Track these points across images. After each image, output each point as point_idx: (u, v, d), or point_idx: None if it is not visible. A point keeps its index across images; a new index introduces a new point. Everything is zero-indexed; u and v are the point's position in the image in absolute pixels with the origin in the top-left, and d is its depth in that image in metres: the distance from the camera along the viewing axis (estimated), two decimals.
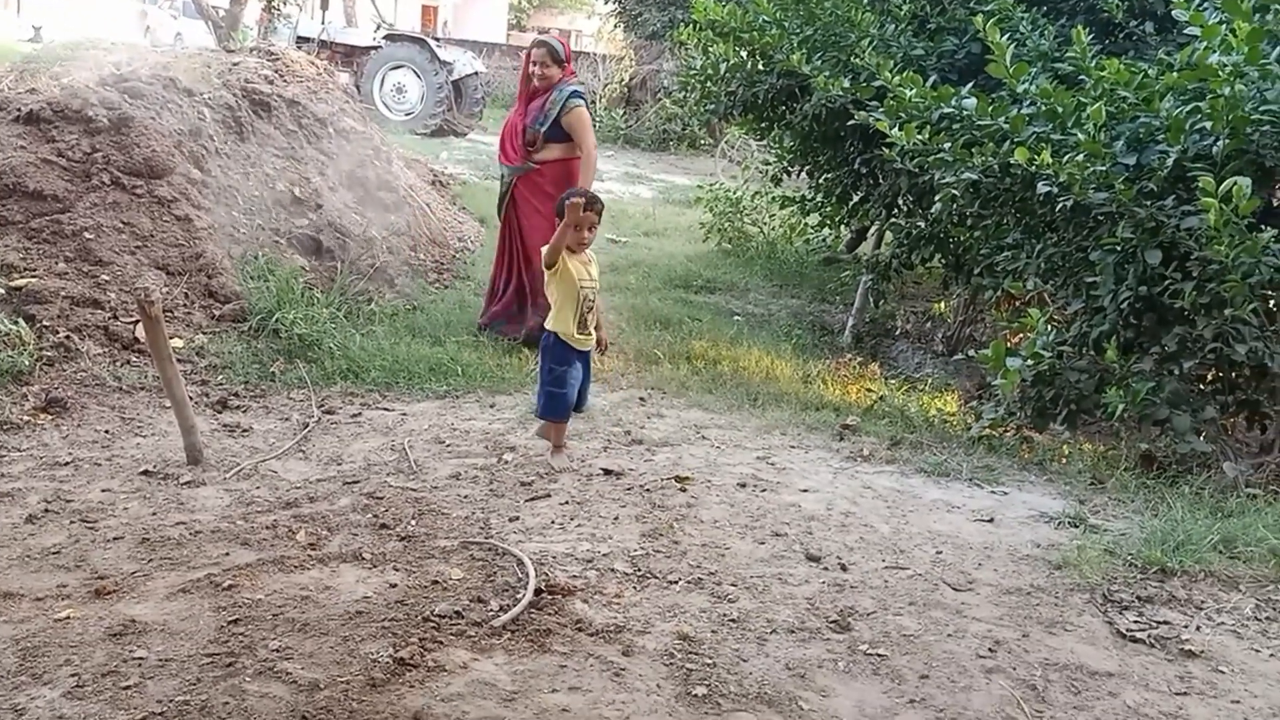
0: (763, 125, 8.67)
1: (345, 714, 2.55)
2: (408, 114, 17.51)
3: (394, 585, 3.30)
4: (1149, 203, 4.69)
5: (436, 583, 3.35)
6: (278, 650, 2.83)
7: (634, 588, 3.42)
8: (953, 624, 3.26)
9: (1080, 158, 4.72)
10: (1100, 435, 5.86)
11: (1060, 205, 4.95)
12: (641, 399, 5.90)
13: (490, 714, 2.61)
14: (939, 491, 4.53)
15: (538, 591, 3.29)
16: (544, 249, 4.44)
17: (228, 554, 3.46)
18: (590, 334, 4.52)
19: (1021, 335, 6.05)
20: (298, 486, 4.21)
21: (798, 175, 9.47)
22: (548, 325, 4.49)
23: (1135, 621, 3.30)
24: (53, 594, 3.11)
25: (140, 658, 2.77)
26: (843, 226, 9.46)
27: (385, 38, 18.86)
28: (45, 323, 5.18)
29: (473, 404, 5.55)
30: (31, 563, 3.32)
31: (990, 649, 3.11)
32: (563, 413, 4.50)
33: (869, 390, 6.77)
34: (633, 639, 3.06)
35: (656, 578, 3.50)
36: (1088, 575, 3.59)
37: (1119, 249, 4.85)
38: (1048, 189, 4.92)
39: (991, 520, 4.16)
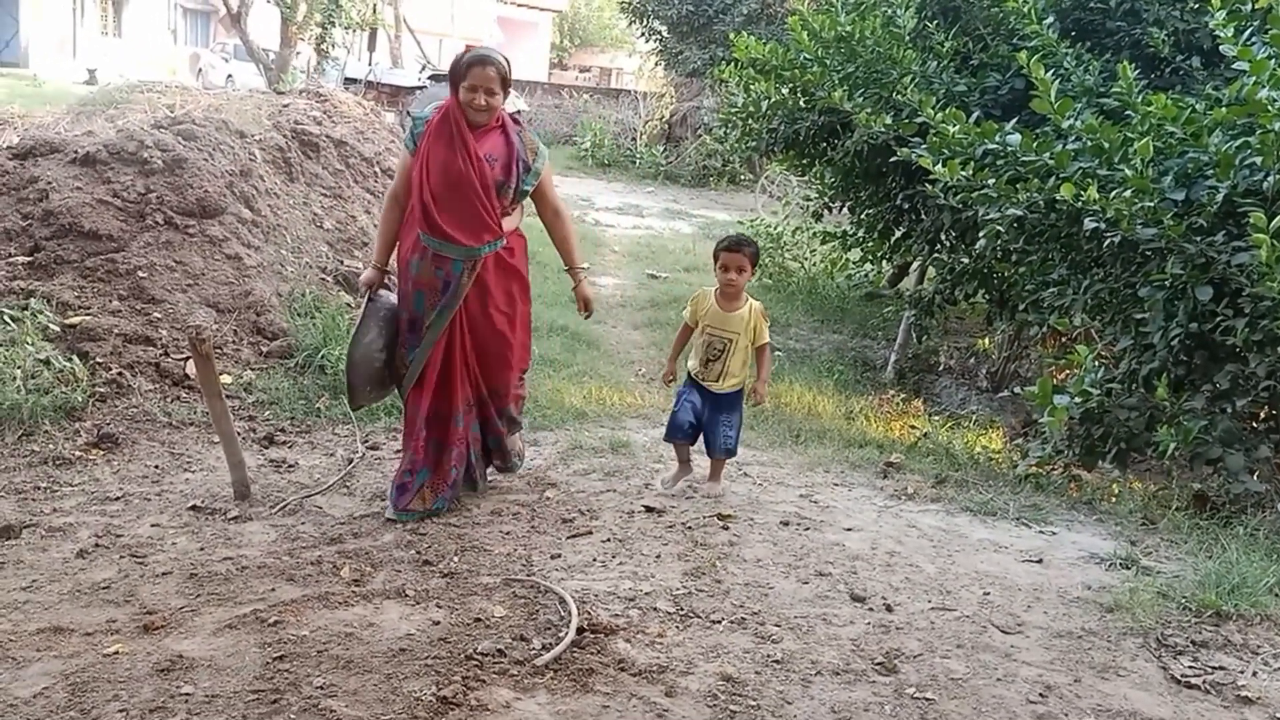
0: (804, 161, 8.69)
1: None
2: None
3: (437, 623, 3.31)
4: (1199, 238, 4.63)
5: (479, 620, 3.35)
6: (322, 688, 2.85)
7: (676, 627, 3.40)
8: (1002, 668, 3.20)
9: (1128, 193, 4.68)
10: (1151, 474, 5.77)
11: (1108, 241, 4.90)
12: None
13: None
14: (986, 531, 4.46)
15: (580, 630, 3.28)
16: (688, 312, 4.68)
17: (274, 590, 3.49)
18: (715, 377, 4.57)
19: (1068, 372, 5.97)
20: (342, 522, 4.24)
21: (839, 211, 9.47)
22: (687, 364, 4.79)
23: (1190, 666, 3.22)
24: (102, 629, 3.15)
25: (187, 694, 2.79)
26: (884, 262, 9.42)
27: (430, 78, 19.20)
28: (98, 359, 5.28)
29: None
30: (82, 597, 3.37)
31: (1041, 694, 3.04)
32: (671, 431, 4.71)
33: (912, 427, 6.70)
34: (675, 679, 3.04)
35: (699, 617, 3.47)
36: (1140, 619, 3.51)
37: (1168, 285, 4.79)
38: (1094, 225, 4.87)
39: (1040, 561, 4.09)
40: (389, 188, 4.37)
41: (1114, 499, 4.98)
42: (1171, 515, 4.60)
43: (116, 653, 3.00)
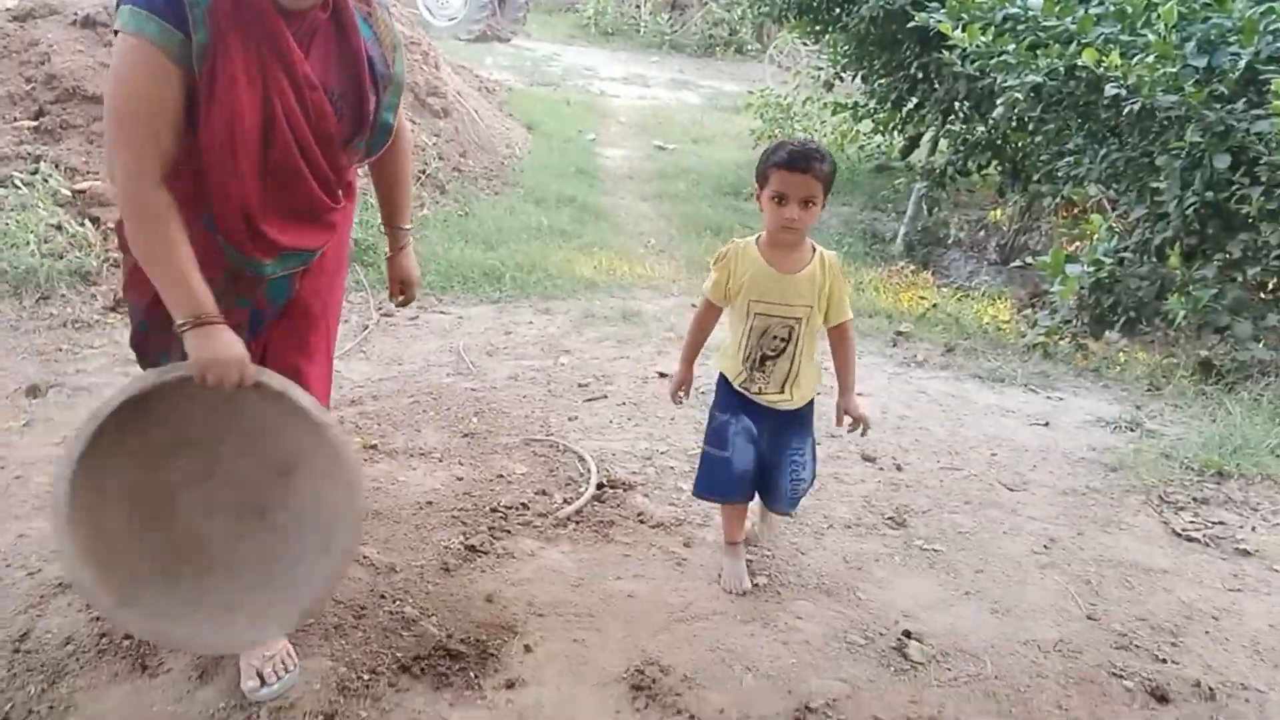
0: (817, 28, 8.49)
1: (422, 595, 2.66)
2: (451, 19, 17.27)
3: (460, 479, 3.41)
4: (1218, 106, 4.56)
5: (501, 477, 3.44)
6: None
7: (692, 483, 3.49)
8: (1008, 522, 3.31)
9: (1150, 59, 4.59)
10: (1158, 345, 5.82)
11: (1127, 109, 4.84)
12: (693, 304, 5.92)
13: (559, 598, 2.71)
14: (994, 396, 4.54)
15: (600, 486, 3.38)
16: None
17: None
18: (778, 385, 2.66)
19: (1080, 243, 5.97)
20: (361, 385, 4.31)
21: (851, 80, 9.29)
22: (721, 365, 2.80)
23: (1190, 521, 3.33)
24: None
25: None
26: (896, 133, 9.29)
27: None
28: (109, 225, 5.28)
29: (526, 309, 5.60)
30: None
31: (1045, 546, 3.16)
32: (718, 488, 2.80)
33: (921, 298, 6.72)
34: (693, 531, 3.15)
35: None
36: (1144, 477, 3.61)
37: (1186, 153, 4.74)
38: (1116, 91, 4.80)
39: (1047, 424, 4.18)
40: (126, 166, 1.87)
41: (1120, 367, 5.04)
42: (1177, 382, 4.67)
43: None
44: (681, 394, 2.81)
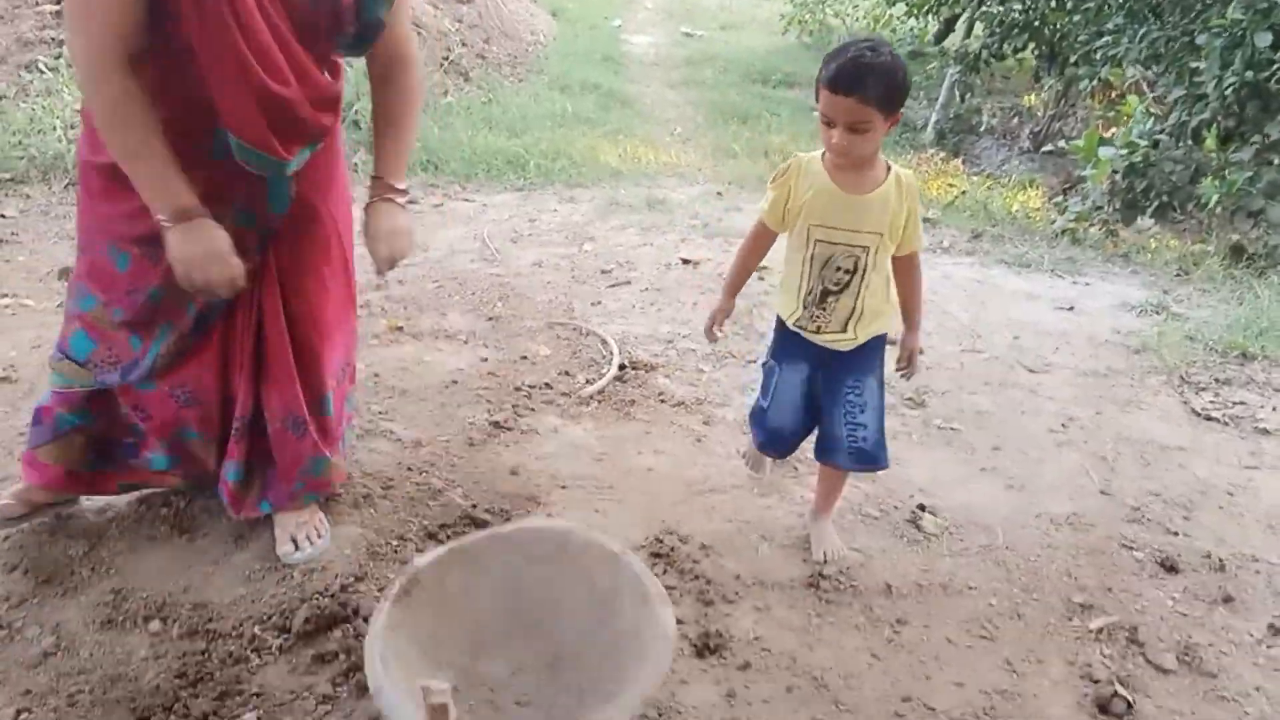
0: None
1: (447, 467, 2.73)
2: None
3: (485, 360, 3.46)
4: None
5: (525, 358, 3.50)
6: (382, 412, 3.02)
7: (713, 365, 3.53)
8: (1027, 402, 3.33)
9: None
10: (1189, 232, 5.74)
11: None
12: (719, 193, 5.90)
13: (581, 471, 2.78)
14: (1020, 282, 4.52)
15: (621, 367, 3.42)
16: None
17: None
18: (840, 324, 2.24)
19: (1115, 127, 5.84)
20: None
21: None
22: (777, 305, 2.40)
23: (1211, 401, 3.34)
24: None
25: None
26: (931, 16, 9.04)
27: None
28: None
29: (551, 196, 5.59)
30: None
31: (1063, 425, 3.18)
32: (755, 433, 2.50)
33: (951, 185, 6.64)
34: (712, 410, 3.20)
35: (734, 357, 3.60)
36: (1166, 358, 3.61)
37: (1227, 31, 4.61)
38: None
39: (1072, 309, 4.16)
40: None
41: (1150, 254, 4.99)
42: (1207, 266, 4.62)
43: None
44: (718, 330, 2.43)
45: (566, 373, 3.39)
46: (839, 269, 2.18)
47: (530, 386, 3.25)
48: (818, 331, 2.24)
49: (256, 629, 2.09)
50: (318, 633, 2.07)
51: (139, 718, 1.85)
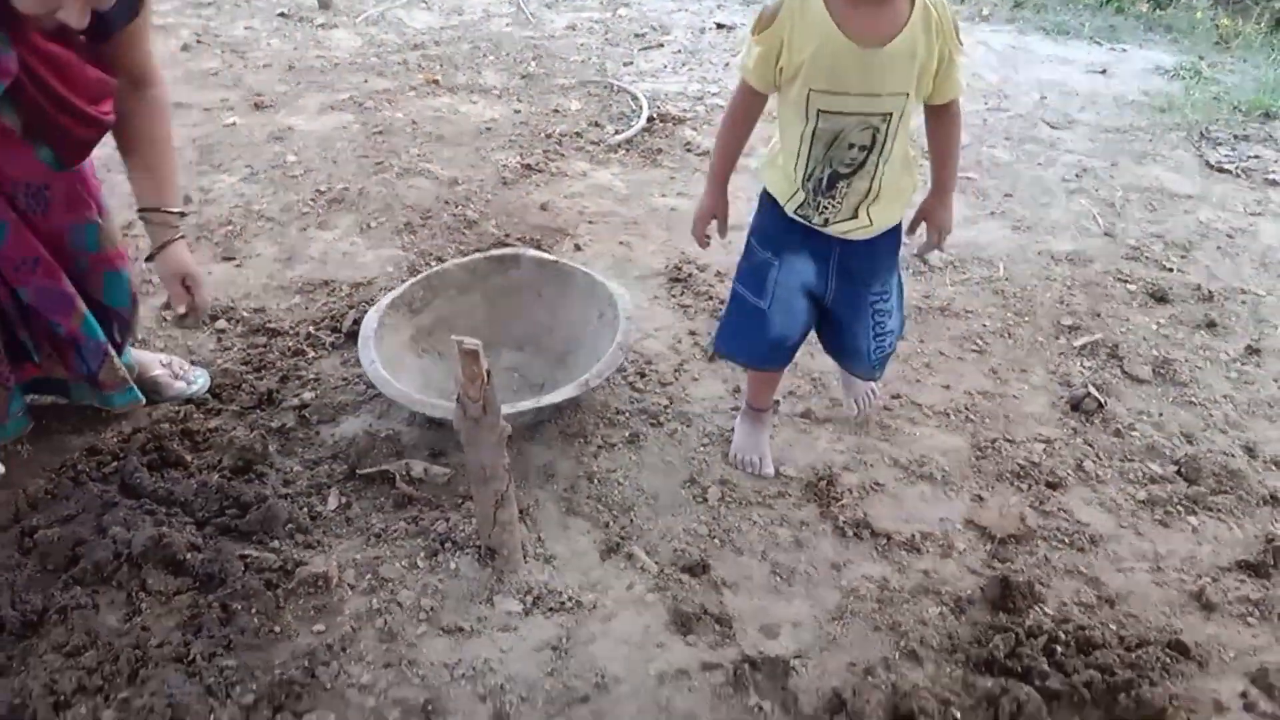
0: None
1: (482, 202, 2.91)
2: None
3: (518, 111, 3.58)
4: None
5: (556, 111, 3.60)
6: (419, 155, 3.18)
7: None
8: (1044, 155, 3.40)
9: None
10: (1232, 2, 5.57)
11: None
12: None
13: (607, 209, 2.94)
14: (1055, 48, 4.48)
15: (650, 119, 3.53)
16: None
17: (366, 81, 3.75)
18: (852, 209, 1.70)
19: None
20: (423, 32, 4.41)
21: None
22: (762, 177, 1.79)
23: (1226, 155, 3.39)
24: (218, 106, 3.48)
25: (302, 158, 3.15)
26: None
27: None
28: None
29: None
30: (194, 81, 3.68)
31: (1077, 175, 3.27)
32: (746, 347, 1.93)
33: None
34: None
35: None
36: (1189, 116, 3.64)
37: None
38: None
39: (1104, 72, 4.15)
40: None
41: (1192, 23, 4.88)
42: (1245, 36, 4.54)
43: (234, 124, 3.35)
44: (708, 235, 1.85)
45: (596, 124, 3.50)
46: (851, 146, 1.61)
47: (561, 135, 3.38)
48: (825, 224, 1.71)
49: (310, 329, 2.32)
50: None
51: (210, 393, 2.11)
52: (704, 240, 1.85)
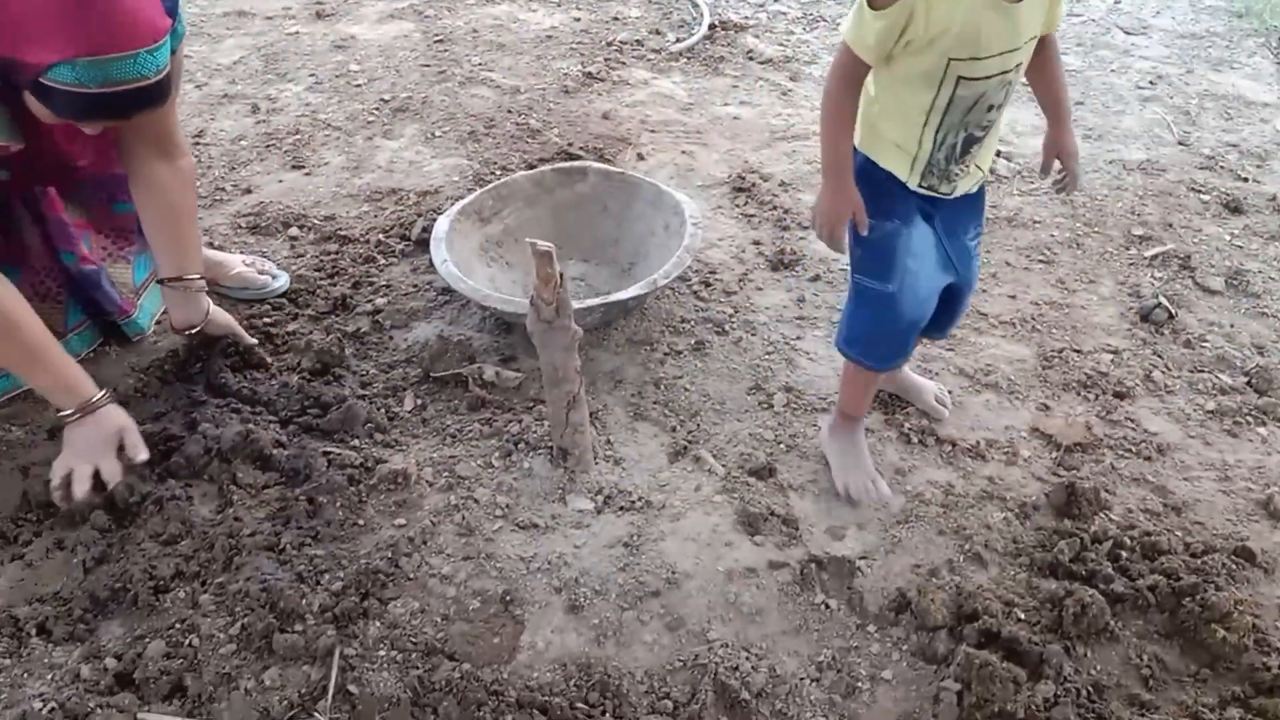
0: None
1: (544, 111, 2.90)
2: None
3: (578, 19, 3.54)
4: None
5: (617, 19, 3.56)
6: (480, 64, 3.17)
7: (804, 28, 3.56)
8: (1118, 62, 3.31)
9: None
10: None
11: None
12: None
13: (669, 118, 2.92)
14: None
15: (711, 26, 3.48)
16: None
17: None
18: (972, 169, 1.57)
19: None
20: None
21: None
22: (858, 145, 1.58)
23: None
24: (280, 14, 3.49)
25: (365, 66, 3.16)
26: None
27: None
28: None
29: None
30: None
31: (1151, 82, 3.18)
32: (880, 344, 1.69)
33: None
34: (800, 68, 3.26)
35: (825, 21, 3.61)
36: (1268, 21, 3.51)
37: None
38: None
39: None
40: None
41: None
42: None
43: (297, 33, 3.36)
44: (840, 231, 1.54)
45: (657, 31, 3.46)
46: (990, 108, 1.47)
47: (622, 43, 3.34)
48: (952, 192, 1.57)
49: (380, 236, 2.36)
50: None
51: (286, 298, 2.16)
52: (843, 247, 1.58)
